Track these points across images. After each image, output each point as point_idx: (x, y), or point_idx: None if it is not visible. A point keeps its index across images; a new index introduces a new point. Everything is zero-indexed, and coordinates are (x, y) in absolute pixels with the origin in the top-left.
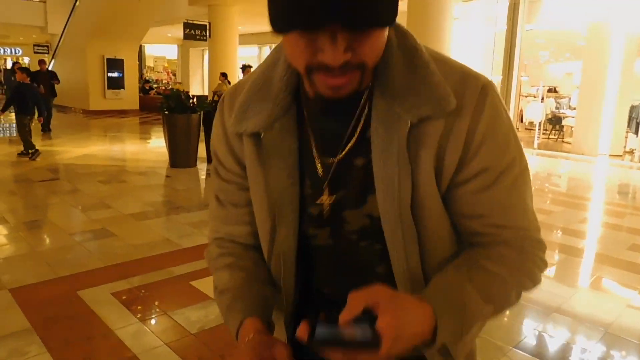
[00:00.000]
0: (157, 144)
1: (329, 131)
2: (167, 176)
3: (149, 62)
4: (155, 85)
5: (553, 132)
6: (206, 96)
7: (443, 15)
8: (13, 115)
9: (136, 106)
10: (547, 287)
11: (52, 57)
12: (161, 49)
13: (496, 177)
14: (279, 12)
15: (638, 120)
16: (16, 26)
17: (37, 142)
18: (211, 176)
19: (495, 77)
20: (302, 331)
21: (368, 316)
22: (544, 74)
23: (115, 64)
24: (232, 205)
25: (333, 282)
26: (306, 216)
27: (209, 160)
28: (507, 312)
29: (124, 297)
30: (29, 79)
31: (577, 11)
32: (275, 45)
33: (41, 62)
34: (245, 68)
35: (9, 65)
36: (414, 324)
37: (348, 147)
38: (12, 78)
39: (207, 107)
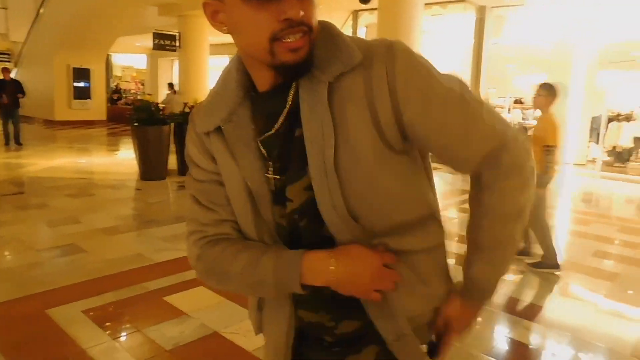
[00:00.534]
0: (126, 156)
1: (271, 113)
2: (137, 189)
3: (117, 72)
4: (123, 95)
5: None
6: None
7: (412, 27)
8: None
9: (104, 117)
10: (517, 295)
11: (15, 66)
12: (129, 59)
13: (440, 107)
14: None
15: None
16: None
17: (0, 153)
18: (188, 184)
19: None
20: None
21: None
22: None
23: (82, 73)
24: (215, 205)
25: None
26: (274, 194)
27: (180, 172)
28: (480, 321)
29: (95, 315)
30: None
31: (540, 28)
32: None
33: (4, 71)
34: None
35: None
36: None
37: (280, 120)
38: None
39: (178, 119)
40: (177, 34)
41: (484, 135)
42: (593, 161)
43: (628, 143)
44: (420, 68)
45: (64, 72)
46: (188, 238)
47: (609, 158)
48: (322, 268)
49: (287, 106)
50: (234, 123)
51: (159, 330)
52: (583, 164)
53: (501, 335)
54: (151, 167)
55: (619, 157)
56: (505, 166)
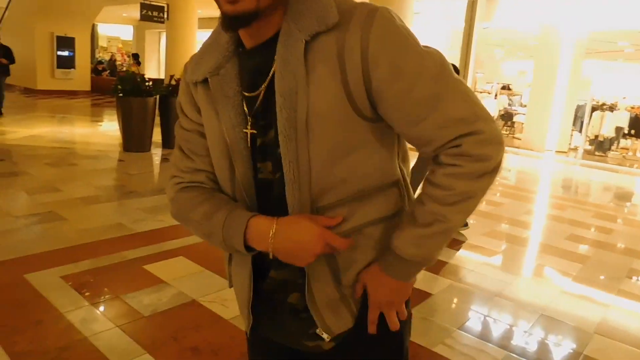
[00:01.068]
0: (109, 127)
1: (257, 70)
2: (120, 160)
3: (102, 42)
4: (105, 66)
5: (505, 128)
6: (162, 79)
7: (404, 9)
8: None
9: (88, 87)
10: (491, 274)
11: None
12: (115, 29)
13: (411, 80)
14: None
15: (582, 120)
16: None
17: None
18: (176, 129)
19: None
20: None
21: None
22: (498, 72)
23: (65, 42)
24: (194, 154)
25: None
26: (253, 151)
27: (165, 145)
28: (455, 298)
29: (74, 281)
30: None
31: (529, 13)
32: None
33: None
34: None
35: None
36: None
37: (262, 86)
38: None
39: (164, 91)
40: (165, 5)
41: (452, 119)
42: (575, 149)
43: (610, 133)
44: (398, 37)
45: (47, 40)
46: (168, 181)
47: (590, 147)
48: (262, 234)
49: (272, 68)
50: (220, 77)
51: (137, 297)
52: (565, 152)
53: (474, 312)
54: (134, 139)
55: (600, 146)
56: (469, 154)
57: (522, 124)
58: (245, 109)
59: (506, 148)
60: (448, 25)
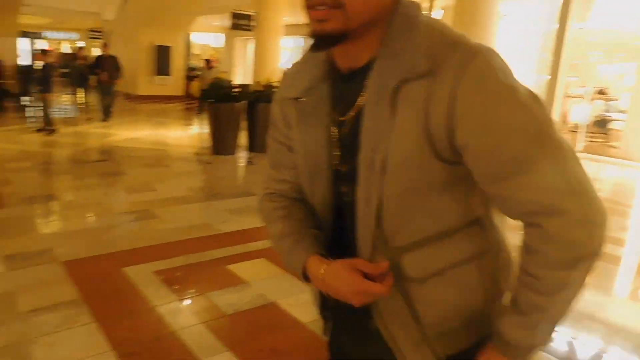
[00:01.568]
0: (199, 131)
1: (346, 97)
2: (208, 163)
3: (195, 50)
4: (199, 72)
5: (599, 135)
6: (249, 85)
7: (490, 10)
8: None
9: (182, 92)
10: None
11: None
12: (207, 37)
13: (501, 137)
14: None
15: None
16: (73, 12)
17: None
18: (267, 139)
19: (542, 77)
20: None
21: None
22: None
23: (163, 51)
24: (281, 166)
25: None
26: (339, 174)
27: (250, 148)
28: None
29: (165, 276)
30: (47, 59)
31: (631, 11)
32: None
33: (104, 46)
34: None
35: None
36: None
37: (351, 112)
38: (74, 64)
39: (250, 97)
40: (253, 13)
41: (538, 188)
42: None
43: None
44: (492, 91)
45: (148, 49)
46: (260, 187)
47: None
48: (315, 274)
49: (360, 98)
50: (312, 97)
51: (220, 296)
52: None
53: (561, 334)
54: (222, 143)
55: None
56: (552, 239)
57: (620, 131)
58: (334, 131)
59: (601, 158)
60: (538, 27)
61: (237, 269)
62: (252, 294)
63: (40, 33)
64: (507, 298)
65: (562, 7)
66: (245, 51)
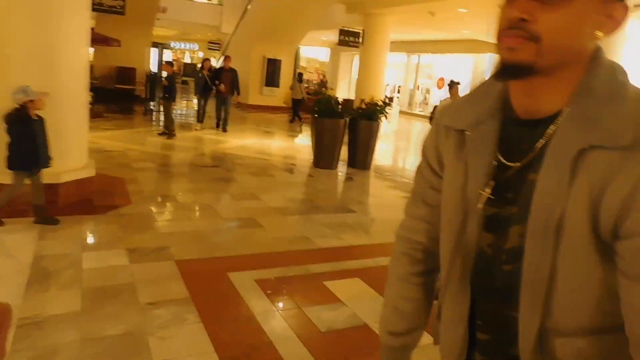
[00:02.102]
0: (303, 143)
1: (517, 142)
2: (309, 175)
3: (302, 63)
4: (305, 85)
5: None
6: (352, 101)
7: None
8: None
9: (288, 104)
10: None
11: (222, 54)
12: (314, 51)
13: None
14: None
15: None
16: (196, 25)
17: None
18: (416, 172)
19: None
20: None
21: None
22: None
23: (273, 64)
24: (423, 202)
25: (482, 293)
26: (484, 218)
27: (350, 164)
28: None
29: (265, 286)
30: (172, 70)
31: None
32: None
33: (226, 59)
34: (452, 85)
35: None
36: None
37: (524, 160)
38: (200, 75)
39: (354, 114)
40: (360, 31)
41: None
42: None
43: None
44: None
45: (260, 61)
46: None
47: None
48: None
49: (536, 149)
50: (479, 132)
51: (316, 312)
52: None
53: None
54: (324, 157)
55: None
56: None
57: None
58: (495, 178)
59: None
60: None
61: (333, 286)
62: (346, 314)
63: (165, 43)
64: None
65: None
66: (350, 65)
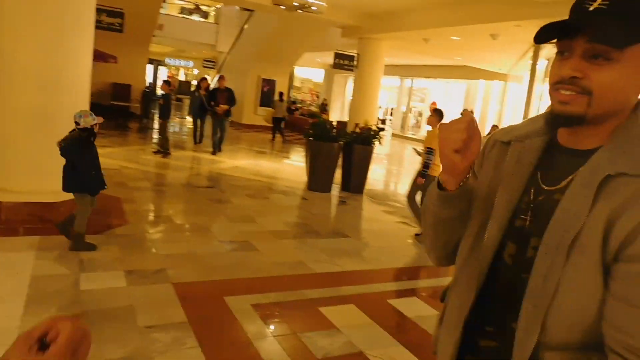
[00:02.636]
0: (296, 164)
1: (558, 166)
2: (303, 198)
3: (296, 83)
4: (299, 105)
5: None
6: (346, 123)
7: None
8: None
9: (269, 122)
10: None
11: (217, 72)
12: (308, 72)
13: None
14: (545, 28)
15: None
16: (192, 43)
17: (203, 150)
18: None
19: None
20: None
21: None
22: None
23: (268, 84)
24: None
25: (496, 299)
26: (511, 226)
27: (344, 187)
28: None
29: (262, 311)
30: (169, 89)
31: None
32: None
33: (221, 78)
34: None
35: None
36: None
37: (563, 183)
38: (196, 94)
39: (349, 138)
40: (355, 54)
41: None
42: None
43: None
44: None
45: (255, 81)
46: None
47: None
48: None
49: (572, 175)
50: (524, 145)
51: (311, 338)
52: None
53: None
54: (318, 180)
55: None
56: None
57: None
58: (532, 194)
59: None
60: None
61: (328, 312)
62: (341, 341)
63: (160, 60)
64: None
65: None
66: (344, 87)
